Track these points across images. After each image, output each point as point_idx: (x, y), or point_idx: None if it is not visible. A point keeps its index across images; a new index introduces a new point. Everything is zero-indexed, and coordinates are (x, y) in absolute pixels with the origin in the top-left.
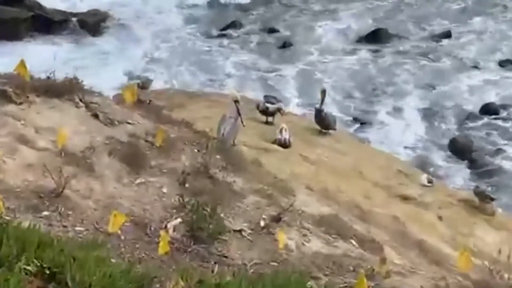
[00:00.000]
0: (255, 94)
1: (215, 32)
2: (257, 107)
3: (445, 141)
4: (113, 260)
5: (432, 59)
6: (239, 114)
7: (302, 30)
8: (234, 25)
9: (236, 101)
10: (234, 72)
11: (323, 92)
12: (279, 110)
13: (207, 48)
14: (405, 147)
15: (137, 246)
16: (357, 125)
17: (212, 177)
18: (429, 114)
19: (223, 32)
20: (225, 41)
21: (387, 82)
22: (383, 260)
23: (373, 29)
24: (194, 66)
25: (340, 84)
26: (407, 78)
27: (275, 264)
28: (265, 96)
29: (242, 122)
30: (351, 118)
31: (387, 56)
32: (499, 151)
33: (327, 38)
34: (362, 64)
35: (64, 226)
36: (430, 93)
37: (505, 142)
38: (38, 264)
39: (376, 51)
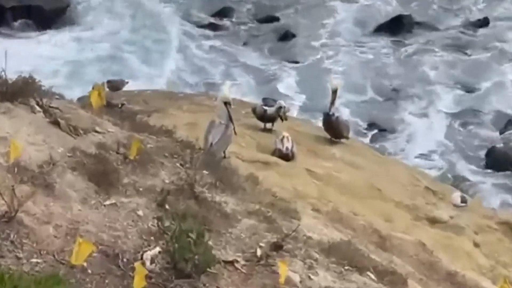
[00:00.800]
0: (251, 95)
1: (203, 19)
2: (253, 111)
3: (482, 152)
4: None
5: (466, 52)
6: (231, 120)
7: (307, 18)
8: (225, 12)
9: (227, 104)
10: (225, 69)
11: (335, 92)
12: (279, 113)
13: (193, 39)
14: (433, 159)
15: (106, 281)
16: (375, 132)
17: (198, 196)
18: (462, 119)
19: (213, 20)
20: (215, 31)
21: (411, 81)
22: None
23: (394, 15)
24: (176, 62)
25: (354, 83)
26: (435, 76)
27: None
28: (264, 99)
29: (234, 130)
30: (367, 124)
31: (411, 49)
32: None
33: (337, 27)
34: (381, 58)
35: (18, 258)
36: (464, 94)
37: None
38: None
39: (398, 42)
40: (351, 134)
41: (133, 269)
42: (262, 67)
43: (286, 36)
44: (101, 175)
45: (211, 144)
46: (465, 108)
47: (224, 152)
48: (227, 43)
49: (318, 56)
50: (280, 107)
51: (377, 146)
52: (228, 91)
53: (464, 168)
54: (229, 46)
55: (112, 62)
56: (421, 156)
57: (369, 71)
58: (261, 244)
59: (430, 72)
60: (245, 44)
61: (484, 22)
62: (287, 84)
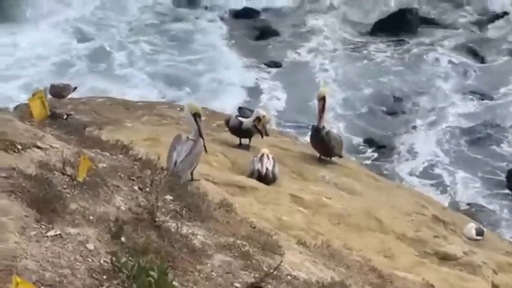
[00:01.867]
0: (223, 105)
1: (166, 16)
2: (227, 123)
3: (501, 174)
4: None
5: (480, 54)
6: (201, 135)
7: (290, 14)
8: (193, 3)
9: (196, 116)
10: (193, 73)
11: (321, 100)
12: (257, 125)
13: (154, 38)
14: (443, 183)
15: None
16: (372, 150)
17: (160, 227)
18: (475, 135)
19: (180, 10)
20: (181, 26)
21: (415, 89)
22: None
23: (395, 10)
24: (135, 65)
25: (347, 91)
26: (444, 83)
27: None
28: (240, 110)
29: (204, 146)
30: (363, 140)
31: (415, 50)
32: None
33: (327, 24)
34: (380, 62)
35: None
36: (478, 104)
37: None
38: None
39: (399, 42)
40: (344, 152)
41: None
42: (237, 69)
43: (266, 33)
44: (43, 200)
45: (176, 163)
46: (479, 122)
47: (191, 174)
48: (196, 39)
49: (304, 59)
50: (259, 118)
51: (375, 166)
52: (196, 102)
53: (480, 194)
54: (198, 42)
55: (52, 62)
56: (428, 179)
57: (365, 77)
58: (236, 284)
59: (438, 80)
60: (216, 42)
61: (501, 16)
62: (267, 91)
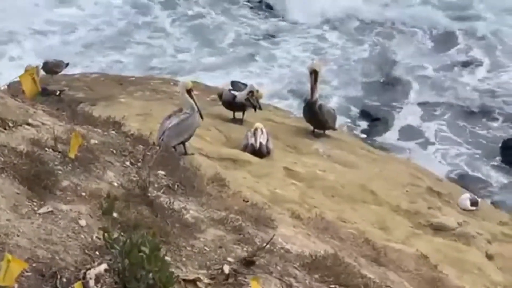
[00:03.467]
0: (216, 79)
1: None
2: (220, 96)
3: (495, 145)
4: None
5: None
6: (197, 106)
7: None
8: None
9: (190, 91)
10: (187, 46)
11: (312, 73)
12: (251, 99)
13: (146, 10)
14: (437, 155)
15: None
16: (367, 123)
17: (152, 202)
18: (471, 106)
19: None
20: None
21: (411, 62)
22: None
23: None
24: (125, 37)
25: (342, 64)
26: (440, 55)
27: None
28: (233, 82)
29: (200, 115)
30: (358, 113)
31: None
32: None
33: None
34: (375, 33)
35: None
36: (475, 77)
37: None
38: None
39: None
40: (338, 125)
41: None
42: (230, 42)
43: (263, 5)
44: (35, 177)
45: (163, 134)
46: (477, 93)
47: (184, 147)
48: (190, 12)
49: (301, 31)
50: (252, 92)
51: (369, 139)
52: (189, 80)
53: (475, 164)
54: (193, 15)
55: (43, 36)
56: (423, 150)
57: (360, 49)
58: (229, 259)
59: (434, 51)
60: (202, 13)
61: None
62: (261, 64)
